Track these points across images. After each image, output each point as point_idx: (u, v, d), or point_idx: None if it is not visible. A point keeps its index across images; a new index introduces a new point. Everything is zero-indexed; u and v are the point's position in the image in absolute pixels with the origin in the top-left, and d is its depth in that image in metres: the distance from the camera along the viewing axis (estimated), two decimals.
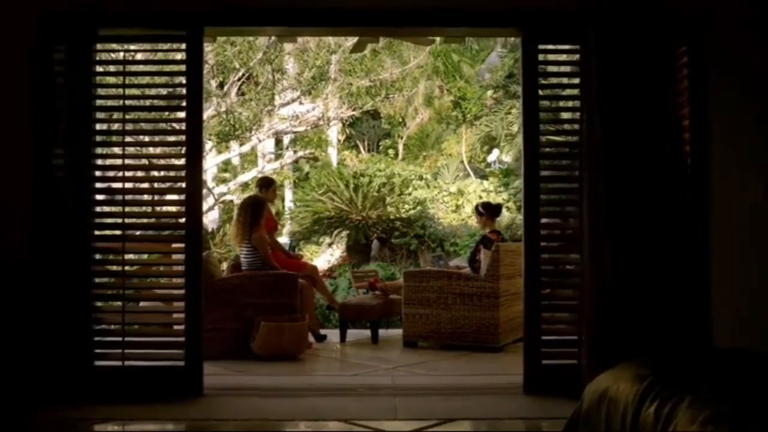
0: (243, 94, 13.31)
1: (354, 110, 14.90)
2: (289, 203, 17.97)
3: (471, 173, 17.87)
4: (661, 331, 4.07)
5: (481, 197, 14.92)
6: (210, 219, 15.78)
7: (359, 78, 13.99)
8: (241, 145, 13.70)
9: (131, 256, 4.89)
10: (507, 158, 17.09)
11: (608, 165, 4.15)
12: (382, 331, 6.81)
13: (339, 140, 20.61)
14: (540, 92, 4.55)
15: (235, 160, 18.94)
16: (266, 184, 6.98)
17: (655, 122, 4.17)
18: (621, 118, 4.19)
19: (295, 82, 13.54)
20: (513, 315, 6.28)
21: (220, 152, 15.22)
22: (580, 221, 4.26)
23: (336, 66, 13.91)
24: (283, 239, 15.51)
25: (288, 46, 13.69)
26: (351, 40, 11.24)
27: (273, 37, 11.58)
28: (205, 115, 12.79)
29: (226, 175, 17.76)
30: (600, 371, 2.47)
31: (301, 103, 13.60)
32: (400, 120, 21.90)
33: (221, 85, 12.51)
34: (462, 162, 18.45)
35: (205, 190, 14.57)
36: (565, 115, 4.94)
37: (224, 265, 7.45)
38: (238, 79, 12.73)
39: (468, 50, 24.15)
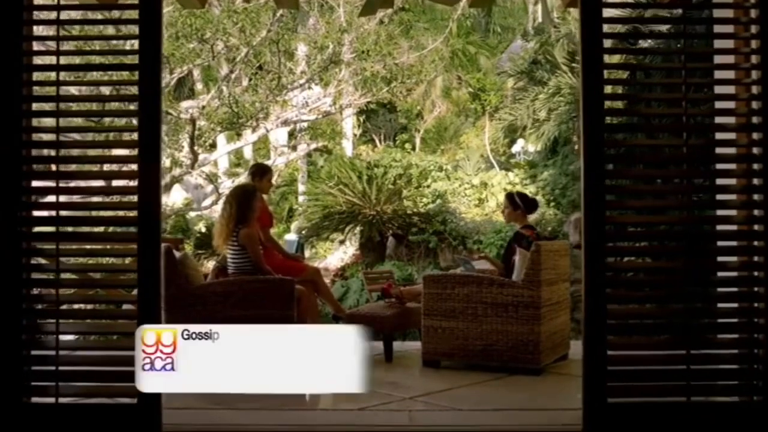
0: (249, 79, 12.37)
1: (368, 97, 13.91)
2: (302, 198, 17.13)
3: (495, 164, 16.84)
4: None
5: (506, 190, 13.86)
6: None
7: (374, 62, 12.98)
8: (253, 131, 12.75)
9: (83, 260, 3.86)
10: (532, 148, 16.07)
11: None
12: (397, 345, 5.81)
13: (355, 134, 19.77)
14: (605, 44, 3.43)
15: (247, 154, 18.09)
16: (260, 171, 5.95)
17: None
18: None
19: (304, 65, 12.57)
20: (555, 329, 5.24)
21: (227, 142, 14.39)
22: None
23: (349, 48, 12.90)
24: (292, 236, 14.57)
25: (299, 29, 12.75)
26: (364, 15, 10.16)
27: (279, 12, 10.60)
28: (205, 101, 11.92)
29: (239, 170, 16.95)
30: None
31: (310, 88, 12.58)
32: (417, 113, 21.09)
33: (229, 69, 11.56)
34: (482, 155, 17.45)
35: (211, 186, 13.73)
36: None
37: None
38: (245, 65, 11.75)
39: (488, 37, 23.28)
